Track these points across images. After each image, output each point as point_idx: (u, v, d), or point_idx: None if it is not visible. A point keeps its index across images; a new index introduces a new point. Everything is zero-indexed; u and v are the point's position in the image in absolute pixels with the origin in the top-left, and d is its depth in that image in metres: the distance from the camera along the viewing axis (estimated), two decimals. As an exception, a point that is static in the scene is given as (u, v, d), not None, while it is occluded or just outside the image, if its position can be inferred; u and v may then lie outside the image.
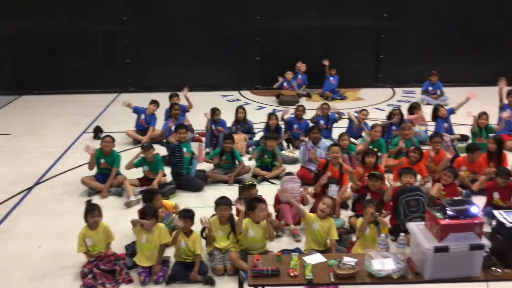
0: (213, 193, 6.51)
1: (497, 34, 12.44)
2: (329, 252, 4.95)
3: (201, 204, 6.38)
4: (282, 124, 8.52)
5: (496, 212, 3.95)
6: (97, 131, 9.15)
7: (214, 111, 8.55)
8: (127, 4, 12.07)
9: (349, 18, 12.21)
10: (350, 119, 8.72)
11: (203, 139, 8.60)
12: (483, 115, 7.84)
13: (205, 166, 7.56)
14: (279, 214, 5.97)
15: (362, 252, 4.40)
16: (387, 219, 5.64)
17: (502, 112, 8.21)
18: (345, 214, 6.17)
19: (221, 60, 12.34)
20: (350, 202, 6.42)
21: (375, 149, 7.07)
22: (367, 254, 3.91)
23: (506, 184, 5.88)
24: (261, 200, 5.31)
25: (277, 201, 6.08)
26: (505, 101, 8.46)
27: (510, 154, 7.74)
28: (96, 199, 6.53)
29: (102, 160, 6.97)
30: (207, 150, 8.13)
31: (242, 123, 8.68)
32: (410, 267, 3.81)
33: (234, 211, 5.44)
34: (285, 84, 11.37)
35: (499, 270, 3.75)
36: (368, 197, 5.79)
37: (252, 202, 5.20)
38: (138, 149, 7.34)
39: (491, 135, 7.72)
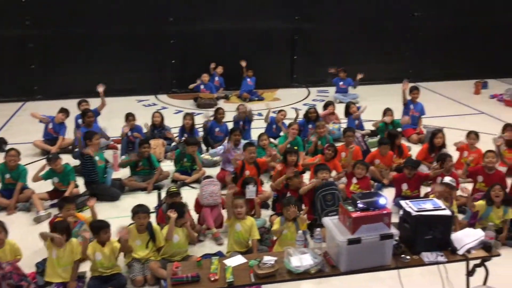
0: (131, 201, 6.29)
1: (403, 34, 13.22)
2: (251, 252, 4.98)
3: (118, 214, 6.15)
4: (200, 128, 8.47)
5: (402, 202, 4.16)
6: (1, 144, 8.49)
7: (128, 117, 8.27)
8: (32, 7, 11.30)
9: (263, 21, 12.39)
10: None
11: (119, 146, 8.29)
12: (388, 111, 8.30)
13: (121, 173, 7.31)
14: (200, 218, 5.92)
15: (282, 250, 4.46)
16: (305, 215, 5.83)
17: (404, 116, 8.79)
18: (266, 214, 6.24)
19: (136, 63, 11.97)
20: (270, 202, 6.52)
21: (296, 147, 7.25)
22: (286, 252, 3.96)
23: (413, 174, 6.26)
24: (185, 205, 5.29)
25: (198, 205, 6.01)
26: (408, 97, 9.02)
27: (416, 147, 8.30)
28: (1, 216, 6.05)
29: (7, 175, 6.49)
30: (123, 157, 7.85)
31: (159, 128, 8.48)
32: (327, 260, 3.92)
33: (152, 219, 5.31)
34: (202, 87, 11.29)
35: (408, 257, 3.96)
36: (289, 195, 5.92)
37: (180, 209, 5.13)
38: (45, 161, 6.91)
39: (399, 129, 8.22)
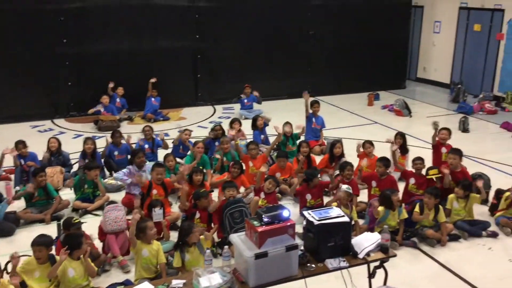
0: (27, 235, 5.84)
1: (302, 51, 13.81)
2: (161, 277, 4.84)
3: (12, 249, 5.65)
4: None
5: (305, 213, 4.31)
6: None
7: (17, 145, 7.68)
8: None
9: (164, 40, 12.30)
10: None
11: (12, 176, 7.68)
12: (287, 124, 8.58)
13: (16, 206, 6.76)
14: (105, 247, 5.64)
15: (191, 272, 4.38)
16: (214, 233, 5.81)
17: (306, 124, 9.17)
18: (176, 236, 6.10)
19: (28, 88, 11.26)
20: (179, 223, 6.40)
21: (201, 167, 7.22)
22: (194, 273, 3.90)
23: (315, 184, 6.50)
24: (82, 235, 4.97)
25: (102, 233, 5.73)
26: (310, 111, 9.42)
27: (319, 158, 8.65)
28: None
29: None
30: (17, 188, 7.28)
31: (56, 155, 7.99)
32: (236, 277, 3.92)
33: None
34: (102, 109, 10.86)
35: (313, 266, 4.09)
36: (197, 215, 5.87)
37: (76, 240, 4.81)
38: None
39: (298, 141, 8.55)
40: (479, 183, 6.44)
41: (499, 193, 6.57)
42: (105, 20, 11.76)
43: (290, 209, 4.08)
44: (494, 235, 6.09)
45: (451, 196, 6.33)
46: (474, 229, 6.10)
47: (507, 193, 6.34)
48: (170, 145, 8.59)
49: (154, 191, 6.37)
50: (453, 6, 14.44)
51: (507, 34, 12.86)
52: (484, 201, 6.81)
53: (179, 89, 12.79)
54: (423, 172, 6.75)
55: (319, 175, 6.76)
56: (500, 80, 13.25)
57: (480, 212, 6.60)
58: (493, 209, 6.59)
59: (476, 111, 12.15)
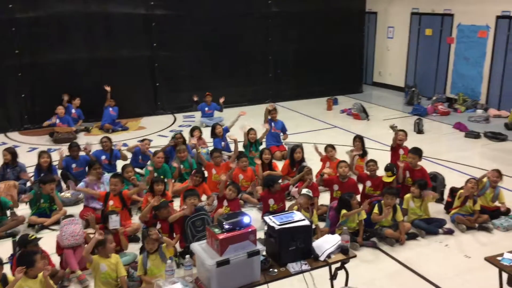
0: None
1: (261, 58, 13.92)
2: (122, 291, 4.74)
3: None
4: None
5: (266, 218, 4.33)
6: None
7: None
8: None
9: (121, 49, 12.11)
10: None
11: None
12: (251, 130, 8.62)
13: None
14: (62, 262, 5.47)
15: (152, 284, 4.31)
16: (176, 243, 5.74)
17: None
18: (136, 248, 6.00)
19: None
20: (140, 235, 6.28)
21: (162, 176, 7.14)
22: (155, 285, 3.84)
23: (276, 190, 6.54)
24: (37, 252, 4.79)
25: (59, 248, 5.55)
26: (269, 116, 9.48)
27: (281, 163, 8.70)
28: None
29: None
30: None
31: (12, 166, 7.71)
32: (198, 286, 3.89)
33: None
34: (57, 121, 10.56)
35: (275, 270, 4.11)
36: (158, 225, 5.79)
37: (29, 257, 4.62)
38: None
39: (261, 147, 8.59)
40: (428, 193, 6.58)
41: (453, 191, 6.81)
42: (60, 29, 11.48)
43: (251, 215, 4.09)
44: (450, 232, 6.29)
45: (407, 195, 6.51)
46: (430, 227, 6.28)
47: (461, 191, 6.56)
48: (129, 155, 8.44)
49: (111, 202, 6.25)
50: (405, 11, 14.93)
51: (457, 38, 13.40)
52: (440, 199, 7.03)
53: (138, 98, 12.61)
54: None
55: (280, 180, 6.81)
56: (451, 82, 13.77)
57: (436, 210, 6.81)
58: (448, 207, 6.81)
59: (430, 113, 12.57)
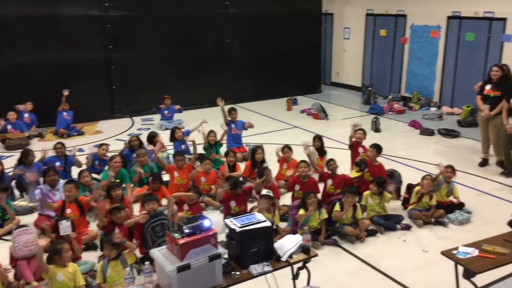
0: None
1: (219, 59, 13.84)
2: (79, 301, 4.58)
3: None
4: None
5: (227, 221, 4.29)
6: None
7: None
8: None
9: (74, 51, 11.75)
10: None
11: None
12: (211, 132, 8.56)
13: None
14: (17, 273, 5.23)
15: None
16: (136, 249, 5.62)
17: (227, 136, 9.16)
18: (95, 255, 5.84)
19: None
20: (98, 242, 6.12)
21: (118, 181, 6.97)
22: (114, 293, 3.73)
23: (239, 192, 6.51)
24: None
25: (13, 259, 5.31)
26: (229, 118, 9.44)
27: (242, 164, 8.68)
28: None
29: None
30: None
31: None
32: (159, 293, 3.81)
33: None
34: (9, 127, 10.13)
35: (238, 273, 4.07)
36: (116, 230, 5.64)
37: None
38: None
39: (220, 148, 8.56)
40: (391, 187, 6.76)
41: (410, 187, 6.98)
42: (10, 32, 11.04)
43: (212, 218, 4.05)
44: (407, 227, 6.45)
45: (366, 193, 6.63)
46: (389, 223, 6.41)
47: (417, 187, 6.73)
48: (84, 161, 8.17)
49: (68, 210, 6.04)
50: (360, 12, 15.24)
51: (410, 38, 13.78)
52: (397, 196, 7.20)
53: (93, 102, 12.28)
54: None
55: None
56: (406, 82, 14.16)
57: (394, 206, 6.97)
58: (405, 203, 6.98)
59: (386, 112, 12.88)
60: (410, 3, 13.62)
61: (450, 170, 6.89)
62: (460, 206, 6.88)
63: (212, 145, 8.53)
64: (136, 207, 6.74)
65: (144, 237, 5.57)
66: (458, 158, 9.06)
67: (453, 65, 12.69)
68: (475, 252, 4.16)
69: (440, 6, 12.73)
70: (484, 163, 8.62)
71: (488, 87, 8.44)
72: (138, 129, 11.61)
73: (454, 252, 4.20)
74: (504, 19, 11.21)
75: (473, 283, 4.09)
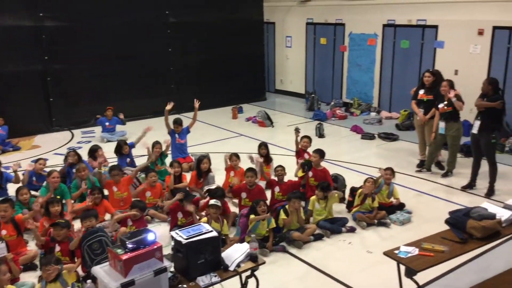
0: None
1: (162, 69, 13.69)
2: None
3: None
4: None
5: (173, 233, 4.21)
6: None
7: None
8: None
9: (7, 63, 11.22)
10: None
11: None
12: (157, 144, 8.40)
13: None
14: None
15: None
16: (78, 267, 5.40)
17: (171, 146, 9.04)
18: (35, 275, 5.55)
19: None
20: (38, 262, 5.82)
21: (58, 197, 6.69)
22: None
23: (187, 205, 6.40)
24: None
25: None
26: (172, 127, 9.30)
27: (188, 174, 8.57)
28: None
29: None
30: None
31: None
32: (103, 312, 3.66)
33: None
34: None
35: (185, 286, 3.99)
36: (58, 248, 5.41)
37: None
38: None
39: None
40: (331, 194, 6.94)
41: (353, 190, 7.17)
42: None
43: (158, 231, 3.96)
44: (352, 230, 6.60)
45: (313, 198, 6.73)
46: (334, 227, 6.54)
47: (360, 190, 6.93)
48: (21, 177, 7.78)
49: (4, 232, 5.71)
50: (300, 21, 15.56)
51: (349, 46, 14.22)
52: (342, 199, 7.37)
53: (30, 115, 11.73)
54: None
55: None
56: (347, 88, 14.58)
57: (339, 209, 7.13)
58: (349, 206, 7.16)
59: (329, 117, 13.20)
60: (347, 12, 14.08)
61: (389, 172, 7.15)
62: (400, 206, 7.14)
63: (156, 156, 8.36)
64: (77, 224, 6.46)
65: (83, 256, 5.35)
66: (397, 160, 9.42)
67: (390, 71, 13.21)
68: (415, 251, 4.31)
69: (376, 14, 13.25)
70: (421, 164, 9.00)
71: (421, 91, 8.85)
72: (78, 142, 11.20)
73: (396, 252, 4.33)
74: (436, 26, 11.82)
75: (415, 281, 4.23)
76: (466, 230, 4.56)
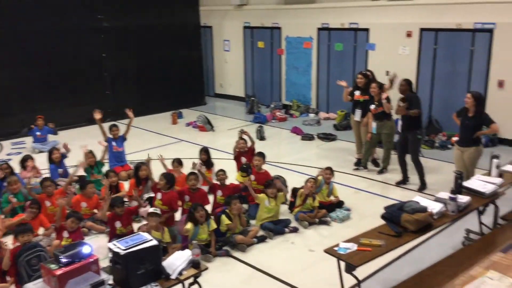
0: None
1: (97, 75, 13.28)
2: None
3: None
4: None
5: (110, 244, 4.05)
6: None
7: None
8: None
9: None
10: None
11: None
12: (90, 153, 8.10)
13: None
14: None
15: None
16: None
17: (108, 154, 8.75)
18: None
19: None
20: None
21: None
22: None
23: (123, 211, 6.22)
24: None
25: None
26: (109, 135, 9.03)
27: (127, 183, 8.33)
28: None
29: None
30: None
31: None
32: (36, 333, 3.46)
33: None
34: None
35: (125, 298, 3.87)
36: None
37: None
38: None
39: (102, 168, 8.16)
40: (278, 182, 7.06)
41: (295, 191, 7.27)
42: None
43: (95, 243, 3.81)
44: (295, 230, 6.69)
45: (262, 195, 6.73)
46: (277, 228, 6.60)
47: (301, 190, 7.04)
48: None
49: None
50: (238, 25, 15.64)
51: (286, 49, 14.45)
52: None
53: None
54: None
55: (126, 202, 6.52)
56: (286, 90, 14.81)
57: (281, 211, 7.18)
58: (291, 206, 7.25)
59: (270, 120, 13.34)
60: (283, 16, 14.31)
61: (329, 171, 7.32)
62: (340, 204, 7.33)
63: (92, 166, 8.08)
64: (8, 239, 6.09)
65: (19, 272, 5.06)
66: (336, 159, 9.67)
67: (326, 73, 13.56)
68: (354, 246, 4.42)
69: (310, 18, 13.56)
70: (358, 162, 9.30)
71: (357, 93, 9.16)
72: (8, 154, 10.60)
73: (336, 248, 4.42)
74: (367, 29, 12.28)
75: (355, 276, 4.34)
76: (401, 224, 4.74)
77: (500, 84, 10.22)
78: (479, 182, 5.72)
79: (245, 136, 8.26)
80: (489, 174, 6.14)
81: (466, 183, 5.67)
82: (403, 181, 8.31)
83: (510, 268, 3.11)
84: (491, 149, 9.31)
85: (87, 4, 12.91)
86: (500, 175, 6.04)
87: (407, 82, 7.92)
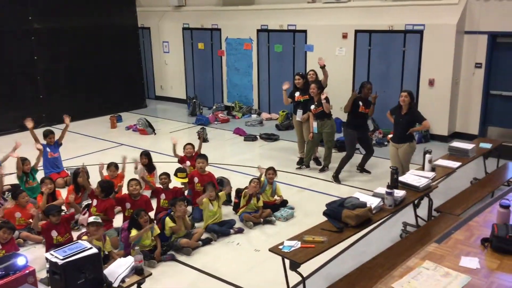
0: None
1: (28, 78, 12.67)
2: None
3: None
4: None
5: (47, 255, 3.87)
6: None
7: None
8: None
9: None
10: None
11: None
12: (26, 161, 7.71)
13: None
14: None
15: None
16: None
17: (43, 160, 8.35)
18: None
19: None
20: None
21: None
22: None
23: (59, 219, 5.96)
24: None
25: None
26: (43, 141, 8.62)
27: (64, 190, 7.98)
28: None
29: None
30: None
31: None
32: None
33: None
34: None
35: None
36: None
37: None
38: None
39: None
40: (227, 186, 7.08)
41: (239, 192, 7.29)
42: None
43: (31, 254, 3.62)
44: (240, 231, 6.71)
45: (205, 200, 6.68)
46: (222, 229, 6.59)
47: (245, 191, 7.06)
48: None
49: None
50: (176, 27, 15.45)
51: (226, 50, 14.46)
52: (228, 201, 7.46)
53: None
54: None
55: (63, 210, 6.26)
56: (227, 92, 14.81)
57: (226, 212, 7.20)
58: (235, 207, 7.26)
59: (212, 121, 13.30)
60: (223, 17, 14.31)
61: (272, 171, 7.40)
62: (284, 203, 7.42)
63: (27, 173, 7.69)
64: None
65: None
66: (278, 159, 9.80)
67: (267, 74, 13.71)
68: (298, 244, 4.50)
69: (249, 20, 13.65)
70: (301, 161, 9.47)
71: (297, 94, 9.33)
72: None
73: (280, 247, 4.47)
74: (305, 31, 12.53)
75: (299, 273, 4.41)
76: (342, 220, 4.87)
77: (431, 82, 10.78)
78: (414, 177, 5.99)
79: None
80: (422, 168, 6.46)
81: (401, 178, 5.92)
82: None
83: (444, 258, 3.28)
84: (424, 145, 9.82)
85: (17, 5, 12.28)
86: (433, 169, 6.37)
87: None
